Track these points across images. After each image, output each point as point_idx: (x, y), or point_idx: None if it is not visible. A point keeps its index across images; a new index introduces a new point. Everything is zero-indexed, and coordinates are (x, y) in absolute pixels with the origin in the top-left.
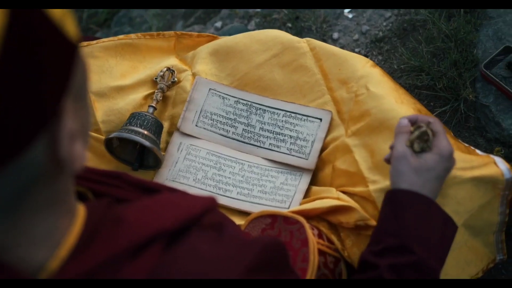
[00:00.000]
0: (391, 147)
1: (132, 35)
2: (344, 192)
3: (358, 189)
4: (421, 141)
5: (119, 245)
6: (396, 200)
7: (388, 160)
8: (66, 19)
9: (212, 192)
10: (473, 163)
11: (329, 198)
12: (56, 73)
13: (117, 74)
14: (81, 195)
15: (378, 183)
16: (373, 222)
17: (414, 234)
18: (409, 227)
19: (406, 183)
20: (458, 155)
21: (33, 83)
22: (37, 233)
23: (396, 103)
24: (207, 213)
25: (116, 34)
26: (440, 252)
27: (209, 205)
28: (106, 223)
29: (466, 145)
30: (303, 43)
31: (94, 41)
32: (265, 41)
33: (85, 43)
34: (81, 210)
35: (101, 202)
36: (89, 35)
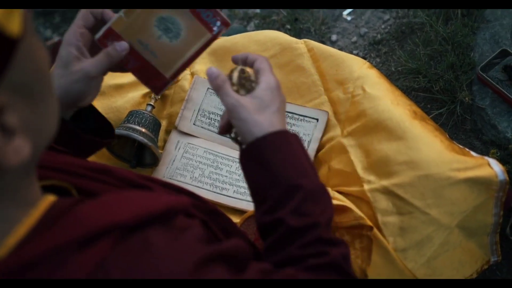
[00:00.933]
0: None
1: None
2: (339, 192)
3: (353, 188)
4: (244, 81)
5: (66, 236)
6: (257, 152)
7: (226, 126)
8: (8, 16)
9: (209, 190)
10: (467, 164)
11: None
12: None
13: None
14: (65, 191)
15: (373, 183)
16: (368, 222)
17: (289, 172)
18: (282, 168)
19: (255, 128)
20: (453, 156)
21: None
22: None
23: (391, 105)
24: (177, 214)
25: None
26: (313, 168)
27: (178, 205)
28: (60, 216)
29: (461, 146)
30: (301, 44)
31: None
32: (263, 41)
33: None
34: (44, 204)
35: (70, 198)
36: None
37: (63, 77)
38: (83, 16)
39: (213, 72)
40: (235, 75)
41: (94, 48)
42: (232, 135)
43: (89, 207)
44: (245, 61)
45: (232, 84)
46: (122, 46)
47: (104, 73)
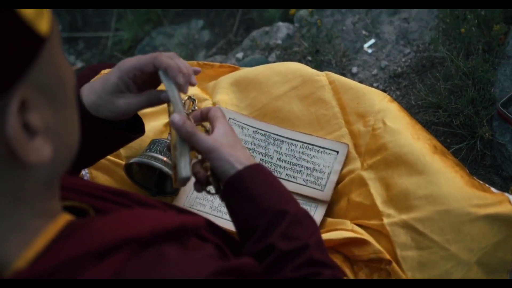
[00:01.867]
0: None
1: None
2: (358, 225)
3: (373, 222)
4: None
5: (83, 248)
6: (241, 183)
7: (201, 177)
8: (38, 16)
9: (228, 220)
10: (488, 201)
11: (343, 230)
12: (10, 54)
13: None
14: (84, 212)
15: (392, 217)
16: (387, 256)
17: (272, 199)
18: (266, 196)
19: (236, 163)
20: (473, 192)
21: None
22: (2, 228)
23: (412, 139)
24: (191, 232)
25: None
26: (292, 196)
27: (192, 223)
28: (79, 228)
29: (481, 182)
30: (322, 77)
31: None
32: (285, 73)
33: (109, 71)
34: (63, 219)
35: (90, 216)
36: (113, 62)
37: (103, 97)
38: (146, 62)
39: (178, 120)
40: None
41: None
42: (212, 191)
43: (105, 221)
44: (202, 115)
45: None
46: (165, 96)
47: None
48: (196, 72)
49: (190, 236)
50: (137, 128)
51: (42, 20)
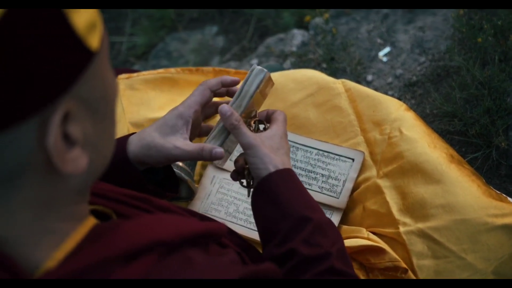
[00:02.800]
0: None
1: (172, 70)
2: (374, 233)
3: (388, 230)
4: (260, 131)
5: (112, 250)
6: (269, 186)
7: (238, 168)
8: (90, 30)
9: (243, 226)
10: (505, 211)
11: (359, 237)
12: (59, 67)
13: (155, 106)
14: (106, 216)
15: (408, 226)
16: (403, 264)
17: (297, 205)
18: (292, 201)
19: (270, 164)
20: (490, 202)
21: (27, 68)
22: (34, 231)
23: (429, 148)
24: (212, 239)
25: (153, 67)
26: (318, 205)
27: (216, 230)
28: (107, 231)
29: (498, 192)
30: (338, 84)
31: (135, 74)
32: (300, 80)
33: (126, 75)
34: (90, 222)
35: (115, 220)
36: (126, 66)
37: (155, 140)
38: (202, 93)
39: (226, 110)
40: (252, 123)
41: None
42: (244, 183)
43: (133, 225)
44: (267, 115)
45: (249, 127)
46: (218, 154)
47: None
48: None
49: (211, 243)
50: (171, 187)
51: (94, 35)
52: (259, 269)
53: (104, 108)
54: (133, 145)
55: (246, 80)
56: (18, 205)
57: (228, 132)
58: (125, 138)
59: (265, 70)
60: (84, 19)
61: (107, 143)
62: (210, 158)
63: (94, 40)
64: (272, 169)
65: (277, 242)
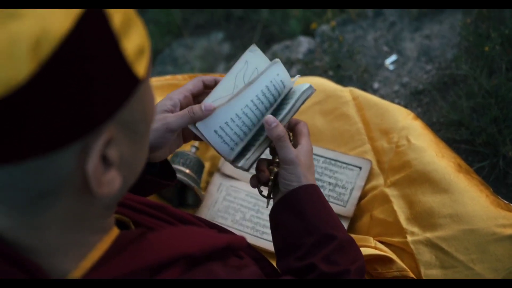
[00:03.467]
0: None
1: (179, 76)
2: (381, 242)
3: (396, 239)
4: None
5: (140, 262)
6: (296, 199)
7: (263, 178)
8: (138, 57)
9: (250, 234)
10: None
11: (366, 246)
12: (107, 93)
13: None
14: (124, 225)
15: (416, 235)
16: (411, 274)
17: (323, 221)
18: (318, 217)
19: (304, 183)
20: (498, 212)
21: (78, 93)
22: (63, 243)
23: (436, 157)
24: (233, 252)
25: (159, 73)
26: (339, 221)
27: (237, 243)
28: (133, 242)
29: (506, 202)
30: (346, 92)
31: None
32: None
33: None
34: (115, 232)
35: (136, 229)
36: None
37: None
38: (194, 84)
39: (272, 121)
40: None
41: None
42: (263, 192)
43: (158, 237)
44: (289, 125)
45: None
46: (207, 106)
47: (182, 127)
48: None
49: (230, 256)
50: (168, 175)
51: (141, 61)
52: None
53: (142, 129)
54: None
55: (296, 97)
56: (50, 219)
57: (270, 142)
58: None
59: (313, 87)
60: (134, 45)
61: (141, 160)
62: (202, 115)
63: (141, 67)
64: (296, 185)
65: (298, 256)
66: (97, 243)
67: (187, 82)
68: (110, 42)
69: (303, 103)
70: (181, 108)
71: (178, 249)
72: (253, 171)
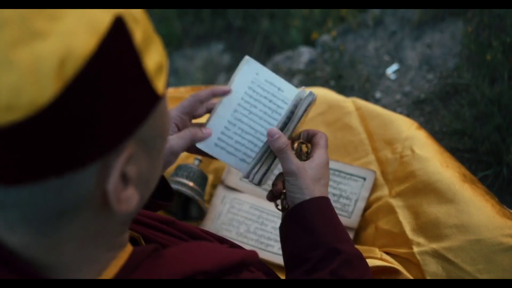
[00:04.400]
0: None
1: (181, 89)
2: (387, 253)
3: (402, 250)
4: (302, 153)
5: (155, 279)
6: (303, 213)
7: (276, 192)
8: (158, 73)
9: (254, 247)
10: None
11: (372, 258)
12: (129, 111)
13: None
14: (134, 240)
15: (422, 246)
16: None
17: (330, 236)
18: (325, 231)
19: (307, 196)
20: (505, 222)
21: (102, 112)
22: (80, 260)
23: (441, 167)
24: (246, 267)
25: None
26: (347, 235)
27: (249, 258)
28: (148, 259)
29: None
30: (349, 103)
31: None
32: None
33: None
34: (128, 248)
35: (148, 245)
36: None
37: None
38: (190, 104)
39: (274, 132)
40: (296, 145)
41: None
42: (279, 206)
43: (172, 253)
44: (308, 136)
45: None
46: (208, 131)
47: (185, 149)
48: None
49: (243, 271)
50: (166, 197)
51: (160, 78)
52: None
53: (160, 145)
54: None
55: (296, 105)
56: (67, 236)
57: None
58: None
59: (314, 93)
60: (154, 61)
61: (156, 176)
62: (203, 137)
63: (160, 84)
64: (307, 197)
65: (305, 270)
66: (112, 259)
67: (181, 103)
68: (133, 59)
69: (306, 110)
70: (178, 128)
71: (194, 265)
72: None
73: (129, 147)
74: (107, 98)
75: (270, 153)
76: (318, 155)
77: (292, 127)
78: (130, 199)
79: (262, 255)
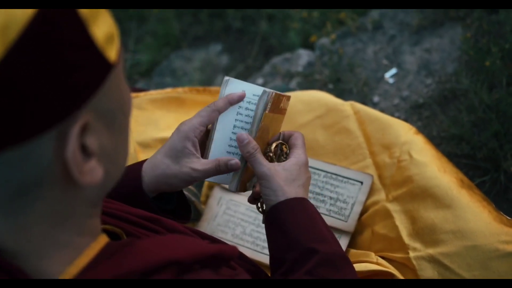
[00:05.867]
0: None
1: (179, 89)
2: (383, 257)
3: (398, 255)
4: (280, 155)
5: (128, 267)
6: (277, 214)
7: (255, 194)
8: (109, 43)
9: (250, 248)
10: None
11: (368, 262)
12: (80, 79)
13: (162, 126)
14: (117, 236)
15: (418, 251)
16: None
17: (305, 236)
18: (298, 231)
19: (282, 197)
20: (501, 228)
21: (50, 78)
22: (49, 244)
23: (439, 172)
24: (224, 261)
25: (157, 84)
26: (333, 236)
27: (228, 252)
28: (121, 248)
29: (509, 218)
30: (347, 106)
31: (142, 93)
32: (309, 102)
33: (133, 95)
34: (103, 239)
35: (126, 239)
36: (130, 83)
37: (170, 167)
38: (208, 115)
39: (244, 138)
40: (273, 146)
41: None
42: (260, 209)
43: (147, 243)
44: (284, 138)
45: (269, 153)
46: (234, 165)
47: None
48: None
49: (223, 265)
50: (183, 215)
51: (112, 47)
52: None
53: (120, 119)
54: (148, 175)
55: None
56: (34, 218)
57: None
58: (138, 167)
59: (268, 90)
60: (103, 31)
61: (122, 155)
62: (227, 170)
63: (112, 52)
64: (282, 199)
65: (282, 272)
66: (84, 247)
67: (200, 111)
68: (78, 27)
69: (264, 109)
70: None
71: (168, 255)
72: None
73: (85, 116)
74: (52, 64)
75: (241, 158)
76: (295, 155)
77: (254, 129)
78: (93, 171)
79: (258, 257)
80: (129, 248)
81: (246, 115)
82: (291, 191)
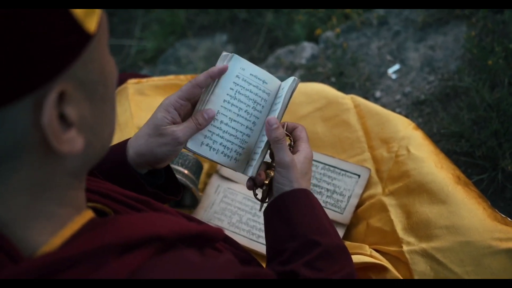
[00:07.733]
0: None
1: (181, 76)
2: (376, 250)
3: (392, 248)
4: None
5: (109, 239)
6: (283, 203)
7: (259, 180)
8: (88, 14)
9: (245, 237)
10: (510, 235)
11: (361, 254)
12: (55, 48)
13: None
14: (106, 215)
15: (412, 245)
16: None
17: (308, 227)
18: (304, 222)
19: (292, 187)
20: (495, 225)
21: (21, 47)
22: (31, 214)
23: (435, 168)
24: (208, 242)
25: (161, 71)
26: (334, 229)
27: (213, 233)
28: (104, 222)
29: (503, 216)
30: (347, 100)
31: (145, 79)
32: (310, 94)
33: (135, 80)
34: (88, 215)
35: (111, 216)
36: (135, 70)
37: (152, 137)
38: (188, 89)
39: (274, 122)
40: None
41: (187, 117)
42: (258, 196)
43: (131, 218)
44: (287, 130)
45: None
46: (210, 113)
47: (190, 137)
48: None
49: (207, 247)
50: (172, 191)
51: (91, 19)
52: (259, 271)
53: (102, 91)
54: (132, 146)
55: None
56: (15, 186)
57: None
58: (124, 142)
59: (296, 78)
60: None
61: (106, 127)
62: (205, 121)
63: (91, 24)
64: (286, 189)
65: (281, 261)
66: (68, 220)
67: (180, 88)
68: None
69: (291, 96)
70: (180, 115)
71: (151, 230)
72: None
73: (62, 85)
74: (30, 34)
75: (266, 144)
76: (304, 149)
77: (281, 115)
78: (73, 141)
79: (253, 246)
80: (113, 222)
81: (238, 92)
82: (304, 184)
